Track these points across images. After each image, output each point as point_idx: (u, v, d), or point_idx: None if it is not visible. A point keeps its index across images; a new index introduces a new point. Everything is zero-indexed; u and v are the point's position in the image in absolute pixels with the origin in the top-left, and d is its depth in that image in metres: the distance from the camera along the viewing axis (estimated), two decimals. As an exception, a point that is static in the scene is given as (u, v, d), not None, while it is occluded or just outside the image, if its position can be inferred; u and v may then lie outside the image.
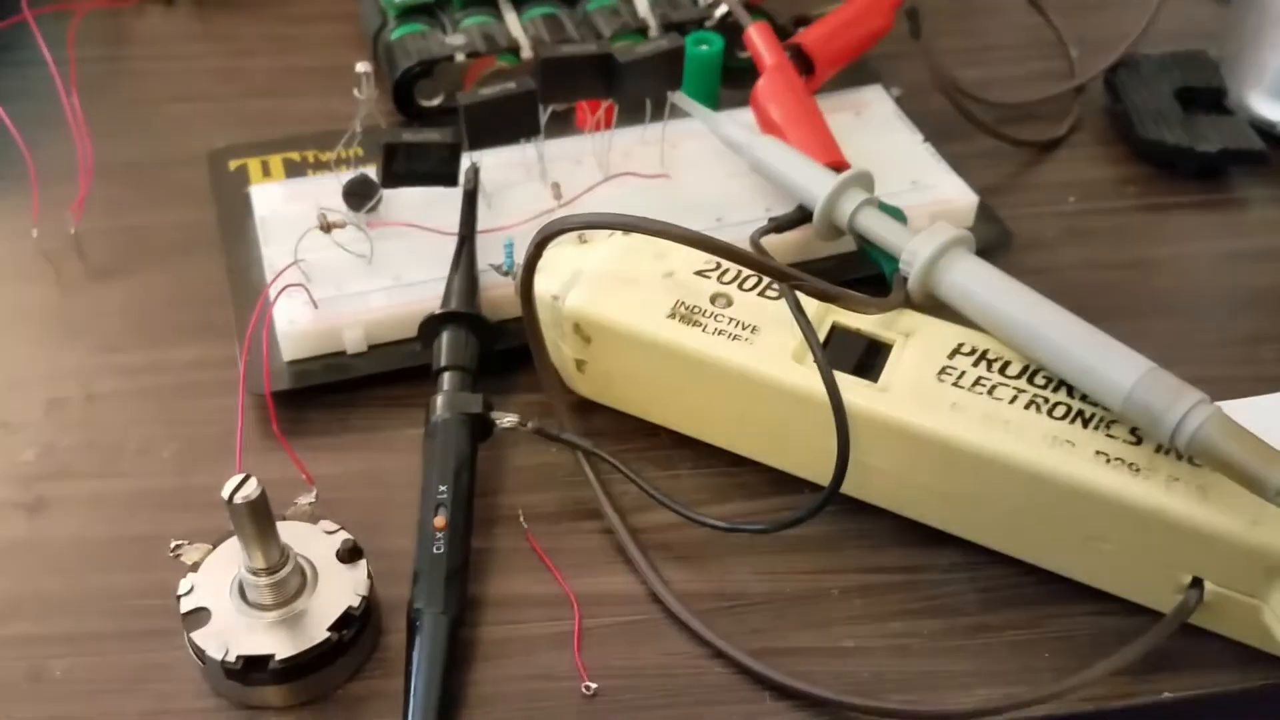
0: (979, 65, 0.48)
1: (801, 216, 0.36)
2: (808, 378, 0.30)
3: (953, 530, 0.32)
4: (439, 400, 0.32)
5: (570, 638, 0.30)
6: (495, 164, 0.39)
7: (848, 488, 0.31)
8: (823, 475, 0.31)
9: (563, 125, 0.41)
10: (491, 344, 0.35)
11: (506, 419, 0.32)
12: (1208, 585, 0.28)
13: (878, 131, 0.42)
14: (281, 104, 0.46)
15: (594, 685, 0.29)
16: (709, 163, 0.40)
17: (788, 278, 0.30)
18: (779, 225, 0.36)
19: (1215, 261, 0.41)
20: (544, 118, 0.38)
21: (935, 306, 0.33)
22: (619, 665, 0.29)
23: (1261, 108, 0.45)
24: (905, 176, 0.40)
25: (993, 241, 0.40)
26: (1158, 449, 0.29)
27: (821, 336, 0.32)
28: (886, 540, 0.32)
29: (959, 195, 0.40)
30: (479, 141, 0.37)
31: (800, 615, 0.30)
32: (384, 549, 0.30)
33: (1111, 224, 0.42)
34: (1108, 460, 0.29)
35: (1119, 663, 0.28)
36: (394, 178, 0.36)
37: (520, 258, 0.33)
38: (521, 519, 0.32)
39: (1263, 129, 0.44)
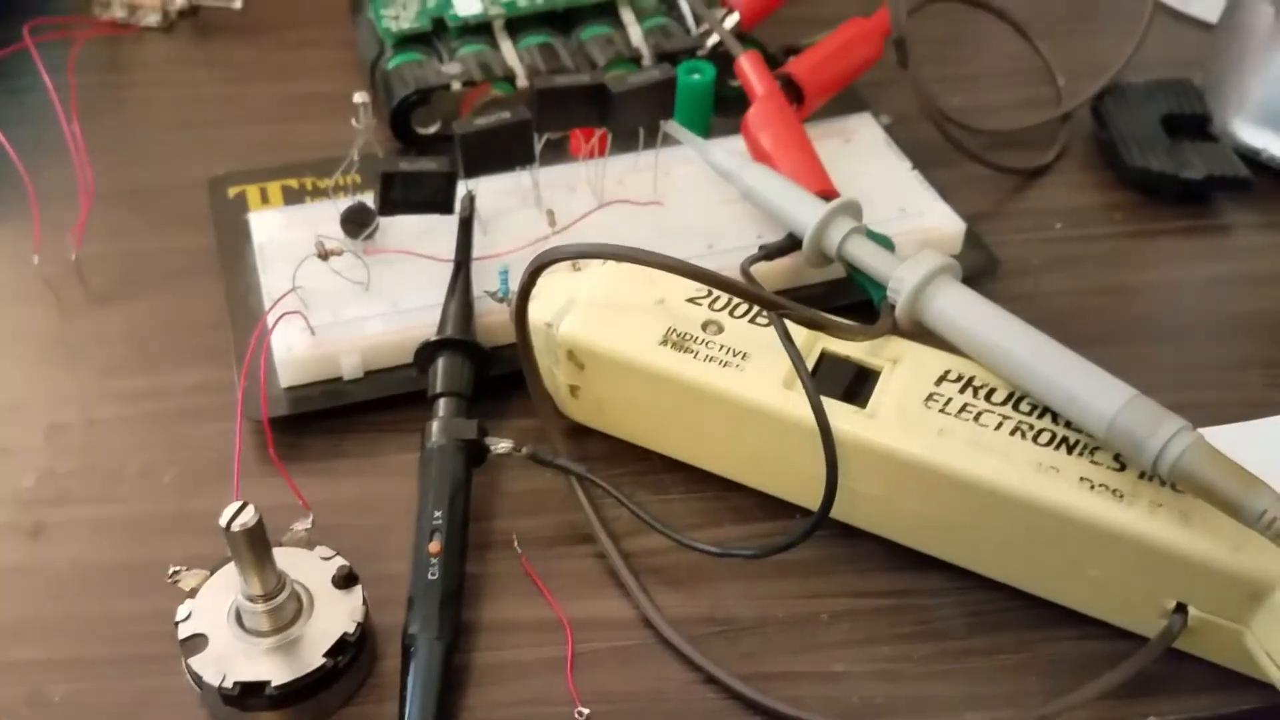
0: (967, 93, 0.48)
1: (791, 244, 0.37)
2: (797, 404, 0.31)
3: (940, 555, 0.32)
4: (434, 426, 0.33)
5: (563, 663, 0.30)
6: (490, 191, 0.39)
7: (837, 512, 0.32)
8: (812, 499, 0.31)
9: (557, 153, 0.41)
10: (486, 369, 0.35)
11: (501, 445, 0.33)
12: (1192, 610, 0.29)
13: (866, 158, 0.43)
14: (280, 130, 0.46)
15: (586, 710, 0.29)
16: (701, 189, 0.41)
17: (776, 306, 0.31)
18: (769, 253, 0.36)
19: (1201, 287, 0.41)
20: (539, 146, 0.38)
21: (922, 333, 0.33)
22: (612, 690, 0.30)
23: (1245, 134, 0.46)
24: (893, 203, 0.41)
25: (979, 268, 0.40)
26: (1141, 475, 0.29)
27: (811, 363, 0.32)
28: (875, 564, 0.32)
29: (946, 222, 0.40)
30: (474, 170, 0.38)
31: (790, 640, 0.31)
32: (379, 574, 0.31)
33: (1098, 250, 0.43)
34: (1092, 486, 0.29)
35: (1105, 686, 0.29)
36: (391, 205, 0.37)
37: (515, 284, 0.33)
38: (515, 544, 0.33)
39: (1246, 155, 0.45)
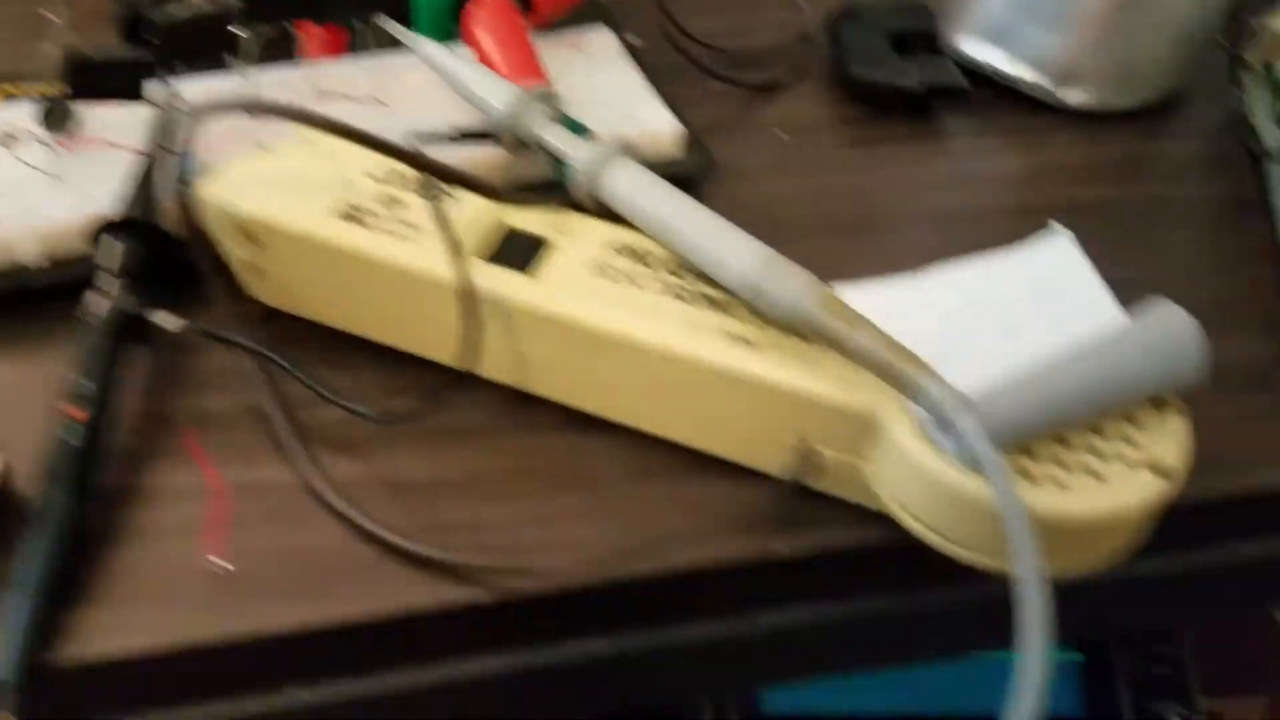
0: (712, 14, 0.50)
1: (488, 130, 0.37)
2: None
3: (604, 414, 0.33)
4: (90, 299, 0.32)
5: (215, 526, 0.30)
6: (205, 91, 0.39)
7: (511, 379, 0.32)
8: (492, 369, 0.32)
9: (285, 54, 0.41)
10: (172, 254, 0.35)
11: (164, 319, 0.32)
12: (820, 449, 0.30)
13: (599, 69, 0.44)
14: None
15: (231, 567, 0.29)
16: (432, 95, 0.41)
17: (410, 157, 0.31)
18: (463, 134, 0.36)
19: (911, 188, 0.43)
20: (258, 45, 0.38)
21: (607, 214, 0.34)
22: (266, 549, 0.30)
23: (970, 49, 0.47)
24: (619, 111, 0.41)
25: (698, 170, 0.41)
26: (773, 327, 0.30)
27: (496, 239, 0.33)
28: (547, 428, 0.33)
29: (665, 126, 0.41)
30: (173, 60, 0.37)
31: (455, 497, 0.31)
32: (32, 450, 0.30)
33: (819, 157, 0.44)
34: (731, 339, 0.30)
35: (740, 520, 0.30)
36: (81, 92, 0.36)
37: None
38: (180, 418, 0.32)
39: (971, 69, 0.47)
